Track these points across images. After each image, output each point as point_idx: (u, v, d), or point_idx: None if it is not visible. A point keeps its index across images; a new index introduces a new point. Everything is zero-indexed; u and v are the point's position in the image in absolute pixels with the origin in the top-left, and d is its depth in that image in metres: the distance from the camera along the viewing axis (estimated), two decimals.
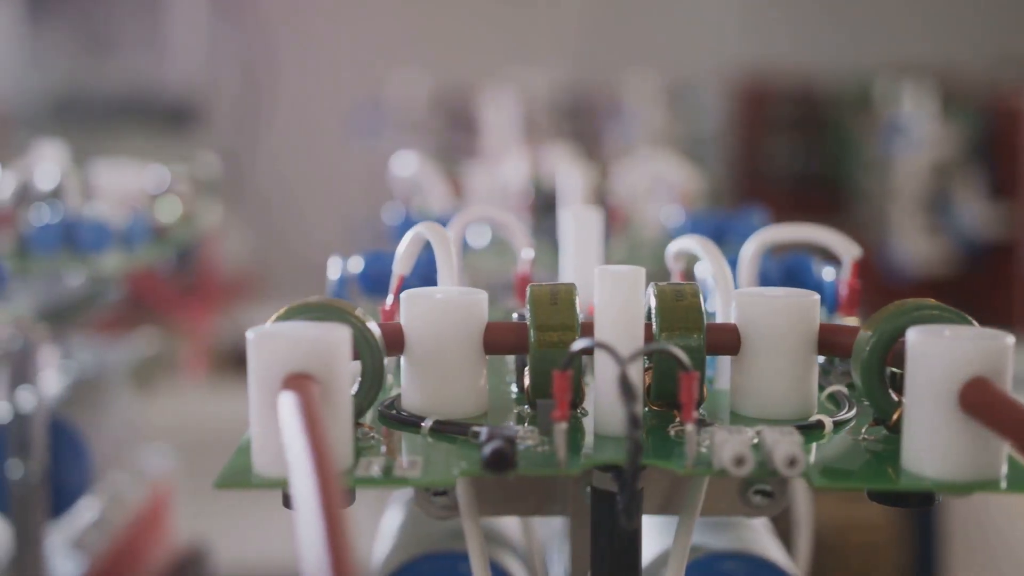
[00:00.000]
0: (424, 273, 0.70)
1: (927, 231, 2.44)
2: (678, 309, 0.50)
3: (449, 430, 0.50)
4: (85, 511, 0.91)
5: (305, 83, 3.34)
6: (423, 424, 0.50)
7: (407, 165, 0.98)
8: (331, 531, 0.35)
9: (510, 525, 0.69)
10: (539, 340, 0.50)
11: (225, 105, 3.36)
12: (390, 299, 0.58)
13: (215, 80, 3.36)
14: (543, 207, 1.00)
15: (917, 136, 2.43)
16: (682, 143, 2.54)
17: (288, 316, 0.49)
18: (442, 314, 0.51)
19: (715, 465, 0.44)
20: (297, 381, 0.43)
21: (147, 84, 3.37)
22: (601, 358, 0.48)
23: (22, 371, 0.85)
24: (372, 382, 0.49)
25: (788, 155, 3.00)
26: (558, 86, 2.70)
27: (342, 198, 3.19)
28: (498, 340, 0.52)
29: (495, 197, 1.00)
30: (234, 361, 2.11)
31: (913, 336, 0.44)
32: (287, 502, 0.52)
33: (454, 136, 2.61)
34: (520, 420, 0.52)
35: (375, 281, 0.73)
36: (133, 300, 1.06)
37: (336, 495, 0.36)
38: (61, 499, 0.87)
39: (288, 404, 0.42)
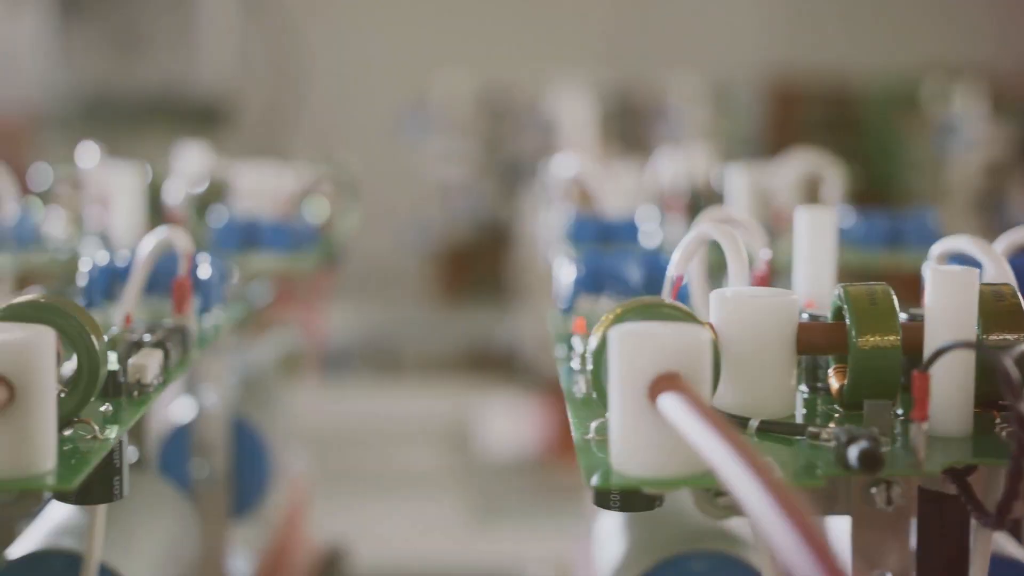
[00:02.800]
0: None
1: (981, 232, 2.44)
2: (1001, 310, 0.50)
3: (779, 430, 0.50)
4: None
5: (336, 82, 3.34)
6: (749, 424, 0.50)
7: (569, 166, 0.98)
8: (804, 530, 0.35)
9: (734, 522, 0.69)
10: (862, 342, 0.50)
11: (256, 105, 3.36)
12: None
13: (246, 80, 3.36)
14: (696, 206, 1.00)
15: (969, 136, 2.43)
16: (723, 144, 2.54)
17: (624, 317, 0.49)
18: (758, 315, 0.51)
19: None
20: (674, 382, 0.43)
21: (178, 83, 3.37)
22: (941, 359, 0.48)
23: (204, 370, 0.86)
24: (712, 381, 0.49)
25: (828, 155, 3.00)
26: (603, 87, 2.71)
27: (377, 198, 3.18)
28: (812, 341, 0.52)
29: (649, 197, 1.00)
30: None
31: None
32: (601, 501, 0.52)
33: (502, 136, 2.62)
34: (809, 418, 0.52)
35: (591, 282, 0.73)
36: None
37: (786, 490, 0.36)
38: (243, 498, 0.87)
39: (679, 406, 0.42)
